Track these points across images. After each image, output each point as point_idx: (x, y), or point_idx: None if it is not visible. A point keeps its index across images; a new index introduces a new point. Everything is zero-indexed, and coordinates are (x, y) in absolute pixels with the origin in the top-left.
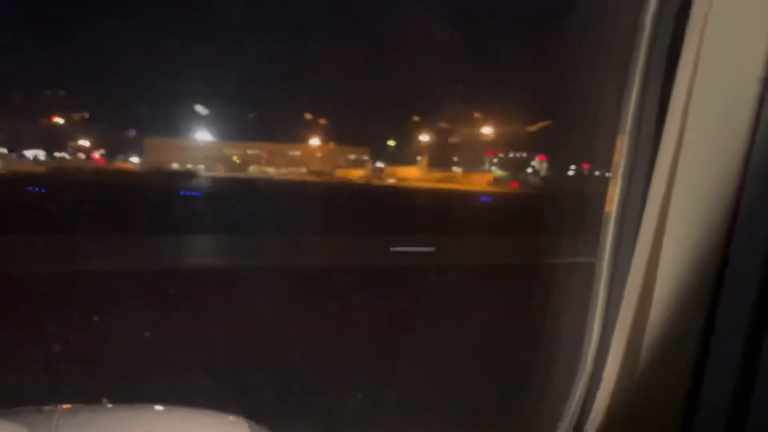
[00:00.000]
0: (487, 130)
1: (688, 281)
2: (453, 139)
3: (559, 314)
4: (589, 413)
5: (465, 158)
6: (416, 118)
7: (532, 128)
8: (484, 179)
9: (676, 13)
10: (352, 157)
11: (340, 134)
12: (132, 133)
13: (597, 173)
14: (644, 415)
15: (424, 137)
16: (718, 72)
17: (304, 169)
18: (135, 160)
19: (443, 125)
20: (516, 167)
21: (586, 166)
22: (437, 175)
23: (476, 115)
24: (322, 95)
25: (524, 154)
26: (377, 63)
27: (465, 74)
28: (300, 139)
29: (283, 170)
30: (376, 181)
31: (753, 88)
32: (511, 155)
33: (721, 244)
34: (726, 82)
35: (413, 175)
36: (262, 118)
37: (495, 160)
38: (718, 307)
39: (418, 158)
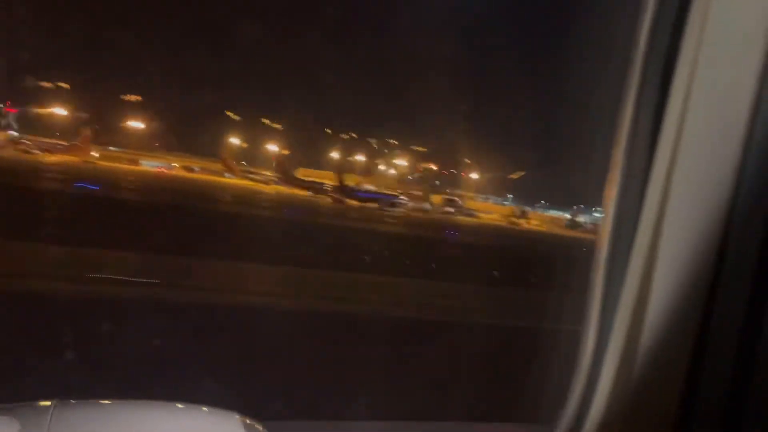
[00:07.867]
0: None
1: (683, 285)
2: None
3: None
4: (587, 414)
5: None
6: None
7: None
8: None
9: (672, 22)
10: None
11: None
12: None
13: None
14: (641, 416)
15: None
16: (714, 84)
17: None
18: None
19: None
20: None
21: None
22: None
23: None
24: None
25: None
26: None
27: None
28: None
29: None
30: None
31: (748, 97)
32: None
33: (716, 250)
34: (721, 92)
35: None
36: None
37: None
38: (713, 311)
39: None
